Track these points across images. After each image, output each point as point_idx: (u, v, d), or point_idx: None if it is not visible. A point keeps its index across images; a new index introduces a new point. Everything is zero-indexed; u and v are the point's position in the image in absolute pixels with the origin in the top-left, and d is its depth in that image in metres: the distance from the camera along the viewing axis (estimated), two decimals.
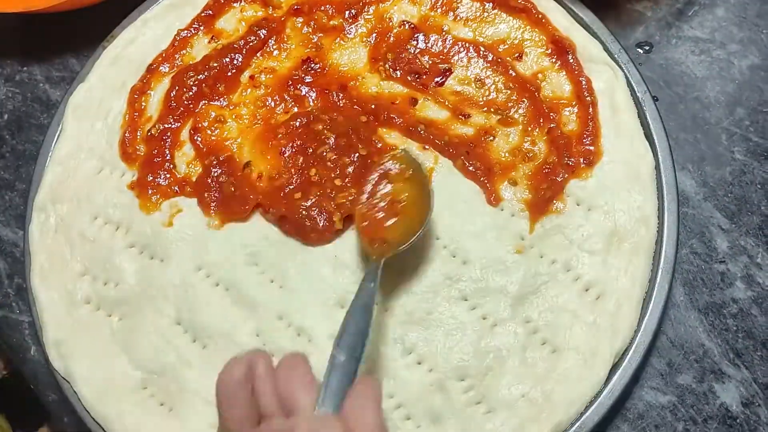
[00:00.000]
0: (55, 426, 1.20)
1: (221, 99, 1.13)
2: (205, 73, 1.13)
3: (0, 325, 1.15)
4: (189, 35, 1.17)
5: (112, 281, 1.07)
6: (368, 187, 1.00)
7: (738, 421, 1.01)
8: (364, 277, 0.92)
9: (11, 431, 1.34)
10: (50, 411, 1.12)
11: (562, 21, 1.11)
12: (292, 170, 1.06)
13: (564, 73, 1.09)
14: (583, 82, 1.08)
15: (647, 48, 1.16)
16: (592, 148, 1.05)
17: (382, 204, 0.99)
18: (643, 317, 0.99)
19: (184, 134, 1.12)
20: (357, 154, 1.05)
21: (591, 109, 1.06)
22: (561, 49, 1.10)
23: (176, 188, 1.09)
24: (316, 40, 1.15)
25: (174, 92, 1.13)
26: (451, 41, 1.12)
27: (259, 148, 1.09)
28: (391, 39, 1.13)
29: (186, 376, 1.01)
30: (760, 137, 1.11)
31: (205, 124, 1.12)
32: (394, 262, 0.98)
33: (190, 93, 1.12)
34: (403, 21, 1.14)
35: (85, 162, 1.13)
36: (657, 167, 1.04)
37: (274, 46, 1.15)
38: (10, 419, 1.38)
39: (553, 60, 1.10)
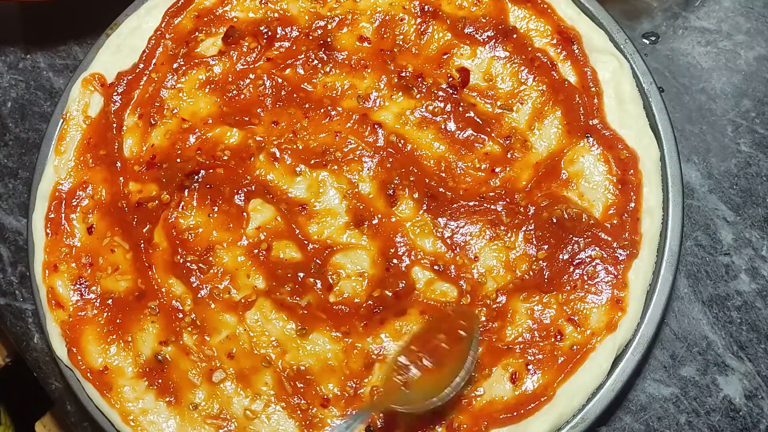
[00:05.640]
0: (58, 414, 1.20)
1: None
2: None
3: (3, 313, 1.15)
4: None
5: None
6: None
7: (741, 413, 1.00)
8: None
9: (12, 426, 1.35)
10: (53, 399, 1.12)
11: (567, 11, 1.10)
12: None
13: (569, 63, 1.09)
14: (588, 73, 1.07)
15: (653, 38, 1.16)
16: None
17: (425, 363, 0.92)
18: (646, 309, 0.98)
19: None
20: None
21: (596, 99, 1.06)
22: (566, 40, 1.09)
23: None
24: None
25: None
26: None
27: None
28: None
29: (186, 365, 1.02)
30: (766, 129, 1.11)
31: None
32: None
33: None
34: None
35: None
36: (662, 159, 1.03)
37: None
38: (13, 407, 1.39)
39: (558, 50, 1.10)
